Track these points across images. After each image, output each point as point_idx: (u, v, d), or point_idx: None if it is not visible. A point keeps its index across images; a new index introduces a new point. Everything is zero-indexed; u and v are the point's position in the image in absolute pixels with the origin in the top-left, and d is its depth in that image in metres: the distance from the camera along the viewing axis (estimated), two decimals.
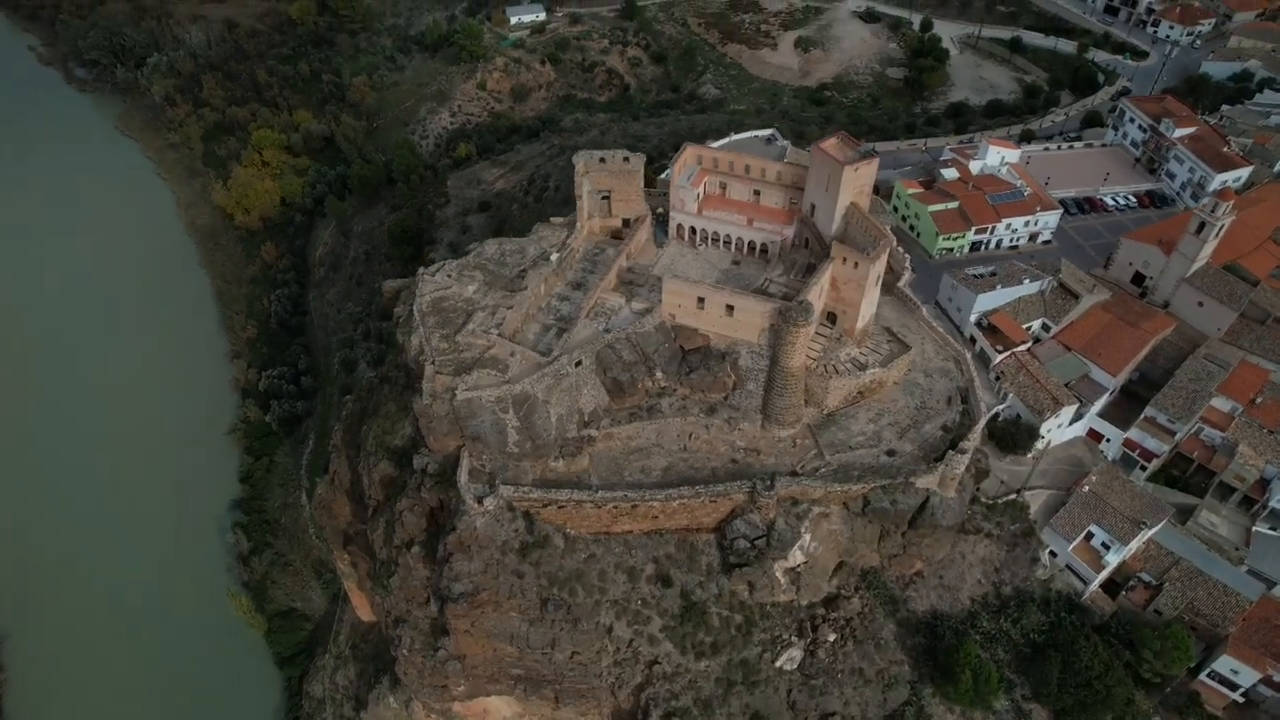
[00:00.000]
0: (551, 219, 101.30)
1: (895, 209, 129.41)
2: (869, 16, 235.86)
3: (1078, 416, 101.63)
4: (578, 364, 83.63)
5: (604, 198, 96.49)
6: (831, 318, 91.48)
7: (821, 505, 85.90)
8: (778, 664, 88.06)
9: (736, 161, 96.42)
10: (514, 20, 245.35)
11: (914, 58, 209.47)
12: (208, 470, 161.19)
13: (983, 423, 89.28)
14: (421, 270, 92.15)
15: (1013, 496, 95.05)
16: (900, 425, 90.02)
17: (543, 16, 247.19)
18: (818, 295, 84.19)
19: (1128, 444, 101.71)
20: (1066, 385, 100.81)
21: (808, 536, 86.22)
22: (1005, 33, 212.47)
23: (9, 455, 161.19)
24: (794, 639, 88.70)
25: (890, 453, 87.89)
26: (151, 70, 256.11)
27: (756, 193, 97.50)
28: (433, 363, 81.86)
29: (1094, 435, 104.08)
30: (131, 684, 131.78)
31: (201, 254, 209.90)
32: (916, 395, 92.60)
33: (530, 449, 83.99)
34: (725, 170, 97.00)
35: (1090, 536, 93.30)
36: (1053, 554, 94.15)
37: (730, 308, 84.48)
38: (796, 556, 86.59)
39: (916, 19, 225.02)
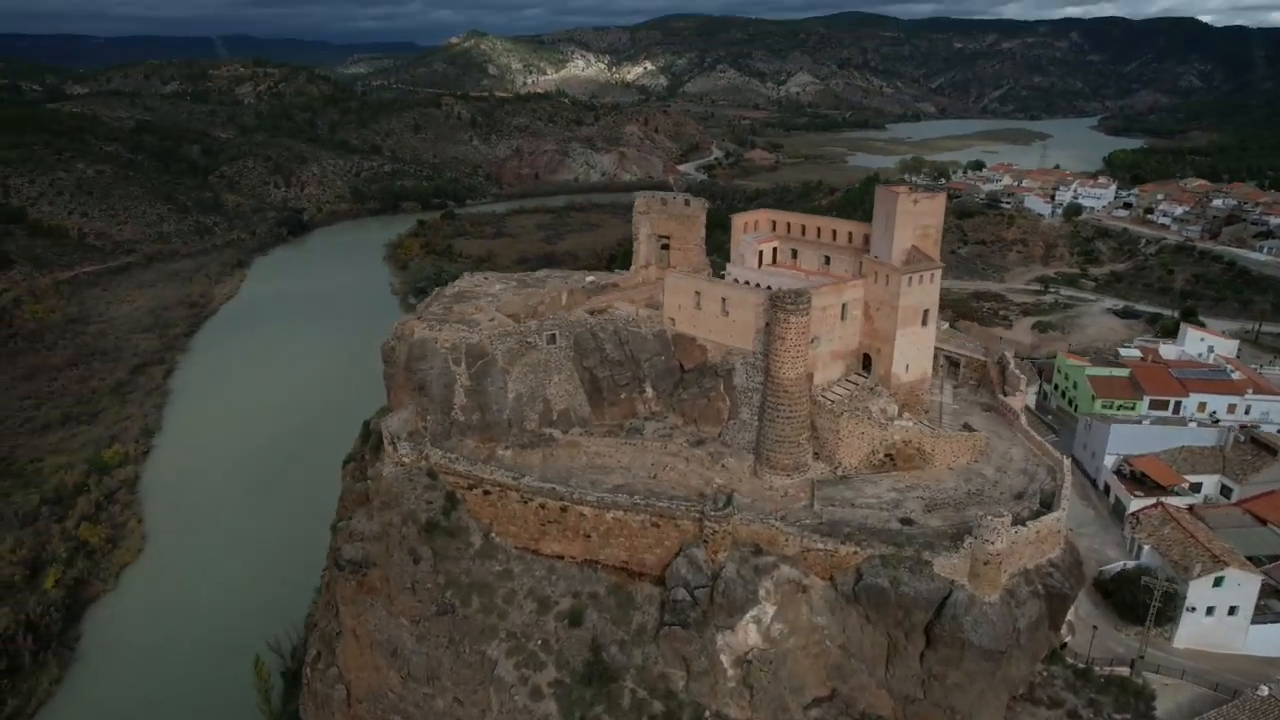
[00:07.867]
0: (616, 270, 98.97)
1: (1056, 385, 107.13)
2: (1125, 314, 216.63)
3: (1275, 617, 67.12)
4: (550, 338, 75.83)
5: (664, 246, 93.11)
6: (867, 363, 74.54)
7: (796, 568, 63.14)
8: None
9: (809, 224, 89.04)
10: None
11: (1163, 335, 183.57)
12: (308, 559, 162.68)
13: (1063, 514, 62.33)
14: (466, 272, 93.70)
15: (1124, 671, 61.96)
16: (934, 501, 66.20)
17: None
18: (832, 296, 69.99)
19: None
20: (1254, 562, 68.54)
21: (770, 609, 62.82)
22: None
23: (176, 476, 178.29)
24: None
25: (907, 521, 63.91)
26: None
27: (827, 259, 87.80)
28: (417, 315, 79.67)
29: None
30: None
31: None
32: (974, 482, 68.51)
33: (478, 422, 74.80)
34: (797, 235, 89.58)
35: None
36: None
37: (725, 303, 72.81)
38: (750, 634, 62.70)
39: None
